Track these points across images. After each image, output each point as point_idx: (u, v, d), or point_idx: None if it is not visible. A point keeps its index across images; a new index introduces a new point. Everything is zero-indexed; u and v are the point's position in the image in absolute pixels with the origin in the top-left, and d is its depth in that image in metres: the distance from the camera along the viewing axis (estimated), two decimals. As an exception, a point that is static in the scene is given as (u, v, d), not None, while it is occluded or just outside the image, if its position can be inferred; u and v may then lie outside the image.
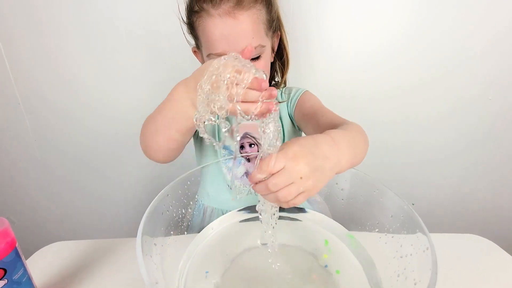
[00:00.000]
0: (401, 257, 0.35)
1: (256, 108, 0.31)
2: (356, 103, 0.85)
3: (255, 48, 0.50)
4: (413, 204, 0.96)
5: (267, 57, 0.55)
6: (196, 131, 0.57)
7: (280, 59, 0.61)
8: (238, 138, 0.33)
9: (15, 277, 0.36)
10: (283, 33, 0.59)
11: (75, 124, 0.90)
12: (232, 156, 0.59)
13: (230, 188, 0.58)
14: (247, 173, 0.58)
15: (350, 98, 0.85)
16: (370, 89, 0.84)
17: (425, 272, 0.28)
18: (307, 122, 0.55)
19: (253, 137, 0.60)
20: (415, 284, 0.29)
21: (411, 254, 0.33)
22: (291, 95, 0.62)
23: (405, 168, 0.94)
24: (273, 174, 0.30)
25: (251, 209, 0.52)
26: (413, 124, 0.89)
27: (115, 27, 0.78)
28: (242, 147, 0.61)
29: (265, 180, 0.31)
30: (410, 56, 0.80)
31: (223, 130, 0.33)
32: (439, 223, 1.00)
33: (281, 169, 0.30)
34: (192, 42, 0.60)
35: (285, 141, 0.63)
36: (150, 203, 0.36)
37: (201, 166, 0.47)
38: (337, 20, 0.77)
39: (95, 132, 0.91)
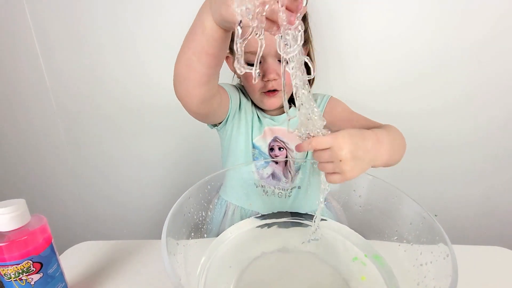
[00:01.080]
0: (421, 265, 0.35)
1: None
2: (373, 102, 0.83)
3: None
4: (436, 215, 0.93)
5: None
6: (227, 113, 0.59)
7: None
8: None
9: (50, 271, 0.38)
10: (311, 47, 0.62)
11: (105, 130, 0.95)
12: (262, 160, 0.62)
13: (256, 187, 0.60)
14: (273, 174, 0.60)
15: (366, 97, 0.84)
16: (389, 95, 0.83)
17: (445, 278, 0.28)
18: (340, 127, 0.57)
19: (282, 141, 0.62)
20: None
21: (431, 262, 0.33)
22: (318, 102, 0.64)
23: (427, 177, 0.92)
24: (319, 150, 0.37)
25: (269, 216, 0.53)
26: (436, 136, 0.87)
27: (149, 36, 0.82)
28: (271, 149, 0.63)
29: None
30: (428, 55, 0.79)
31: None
32: (463, 235, 0.96)
33: (327, 148, 0.36)
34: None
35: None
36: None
37: (225, 169, 0.49)
38: (350, 16, 0.77)
39: (122, 137, 0.95)
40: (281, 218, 0.53)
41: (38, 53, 0.86)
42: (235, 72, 0.65)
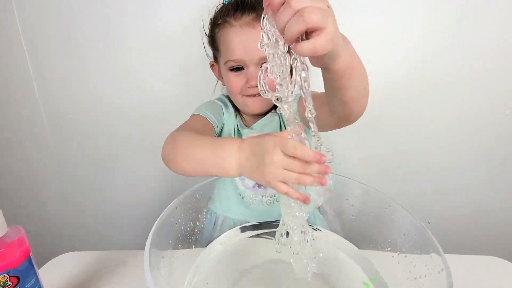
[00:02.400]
0: (415, 278, 0.34)
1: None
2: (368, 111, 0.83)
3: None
4: (429, 223, 0.92)
5: None
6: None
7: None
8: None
9: (28, 285, 0.36)
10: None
11: (94, 139, 0.93)
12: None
13: (242, 198, 0.59)
14: (258, 184, 0.58)
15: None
16: (383, 100, 0.83)
17: (439, 294, 0.27)
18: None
19: None
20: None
21: (425, 276, 0.32)
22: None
23: (421, 186, 0.91)
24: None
25: (260, 225, 0.52)
26: (430, 141, 0.86)
27: (140, 44, 0.81)
28: None
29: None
30: (424, 65, 0.78)
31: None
32: (457, 244, 0.95)
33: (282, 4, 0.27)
34: (211, 55, 0.65)
35: None
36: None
37: (212, 178, 0.48)
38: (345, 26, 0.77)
39: (111, 147, 0.94)
40: (272, 228, 0.51)
41: (26, 57, 0.84)
42: (219, 79, 0.66)
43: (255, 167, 0.33)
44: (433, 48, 0.77)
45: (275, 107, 0.63)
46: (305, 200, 0.31)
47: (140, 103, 0.88)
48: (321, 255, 0.36)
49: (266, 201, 0.58)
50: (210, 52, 0.65)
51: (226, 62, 0.56)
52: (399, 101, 0.83)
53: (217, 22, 0.57)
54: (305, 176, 0.31)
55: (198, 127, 0.55)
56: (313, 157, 0.30)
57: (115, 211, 1.04)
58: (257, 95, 0.58)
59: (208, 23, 0.62)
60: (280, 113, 0.54)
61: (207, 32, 0.63)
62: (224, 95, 0.70)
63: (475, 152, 0.86)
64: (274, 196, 0.59)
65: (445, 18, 0.74)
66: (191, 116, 0.59)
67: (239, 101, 0.61)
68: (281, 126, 0.63)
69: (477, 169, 0.88)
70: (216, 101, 0.66)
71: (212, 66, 0.66)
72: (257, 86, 0.54)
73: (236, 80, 0.57)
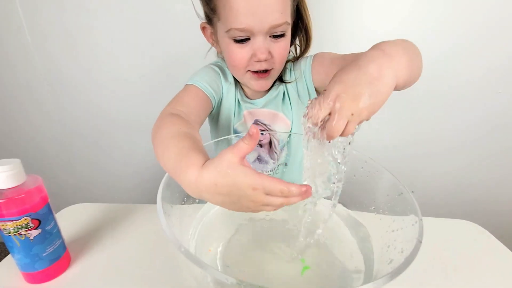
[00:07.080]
0: (393, 231, 0.38)
1: None
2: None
3: (281, 26, 0.47)
4: (412, 192, 0.98)
5: (289, 34, 0.51)
6: (212, 110, 0.59)
7: (300, 32, 0.56)
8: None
9: (48, 228, 0.40)
10: (305, 6, 0.52)
11: (95, 95, 0.94)
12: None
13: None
14: (259, 158, 0.58)
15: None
16: None
17: (411, 241, 0.31)
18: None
19: (264, 124, 0.59)
20: (402, 251, 0.32)
21: (401, 228, 0.37)
22: (302, 68, 0.58)
23: (409, 159, 0.97)
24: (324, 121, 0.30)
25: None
26: (418, 115, 0.90)
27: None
28: None
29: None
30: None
31: None
32: (437, 211, 1.03)
33: (331, 114, 0.30)
34: (202, 16, 0.55)
35: (293, 119, 0.60)
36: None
37: (216, 140, 0.50)
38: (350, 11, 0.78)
39: (113, 101, 0.96)
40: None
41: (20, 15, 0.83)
42: (213, 45, 0.57)
43: (228, 203, 0.30)
44: (430, 28, 0.79)
45: (279, 79, 0.58)
46: (305, 194, 0.29)
47: (141, 60, 0.88)
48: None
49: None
50: (200, 11, 0.54)
51: (229, 30, 0.47)
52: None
53: None
54: (289, 199, 0.29)
55: (192, 103, 0.49)
56: (298, 193, 0.29)
57: (116, 170, 1.07)
58: (266, 72, 0.52)
59: None
60: (285, 83, 0.49)
61: None
62: (221, 57, 0.61)
63: (466, 124, 0.91)
64: (271, 172, 0.59)
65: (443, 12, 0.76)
66: (186, 86, 0.53)
67: (242, 77, 0.54)
68: (285, 97, 0.59)
69: (462, 145, 0.94)
70: (213, 67, 0.58)
71: (203, 28, 0.55)
72: (265, 60, 0.49)
73: (241, 53, 0.49)
